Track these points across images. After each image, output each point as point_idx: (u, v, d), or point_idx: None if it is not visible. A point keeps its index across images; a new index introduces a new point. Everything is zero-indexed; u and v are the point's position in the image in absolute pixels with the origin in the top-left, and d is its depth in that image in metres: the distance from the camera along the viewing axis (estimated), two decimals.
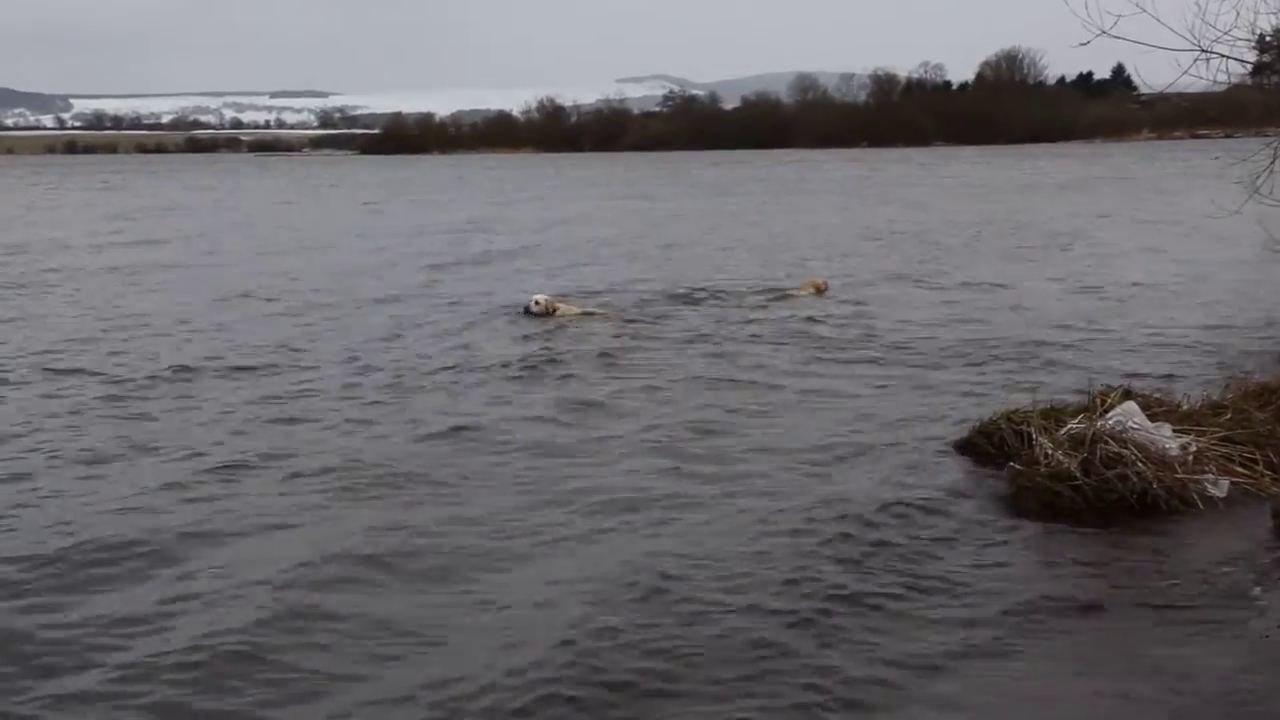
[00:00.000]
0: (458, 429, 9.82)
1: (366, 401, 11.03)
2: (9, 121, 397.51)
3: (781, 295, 17.78)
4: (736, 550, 6.95)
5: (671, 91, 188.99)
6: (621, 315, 16.03)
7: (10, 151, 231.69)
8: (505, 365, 12.58)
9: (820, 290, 17.83)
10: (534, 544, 7.12)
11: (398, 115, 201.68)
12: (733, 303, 17.23)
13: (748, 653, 5.64)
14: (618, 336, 14.48)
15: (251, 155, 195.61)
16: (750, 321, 15.55)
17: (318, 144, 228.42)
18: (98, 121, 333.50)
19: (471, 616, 6.10)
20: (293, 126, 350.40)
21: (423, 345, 14.02)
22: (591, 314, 16.03)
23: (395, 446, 9.35)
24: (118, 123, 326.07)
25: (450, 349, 13.73)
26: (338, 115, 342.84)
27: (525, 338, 14.44)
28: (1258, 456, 8.10)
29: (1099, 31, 9.81)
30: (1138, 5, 9.58)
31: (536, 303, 15.77)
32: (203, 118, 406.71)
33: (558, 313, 15.70)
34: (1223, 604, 6.20)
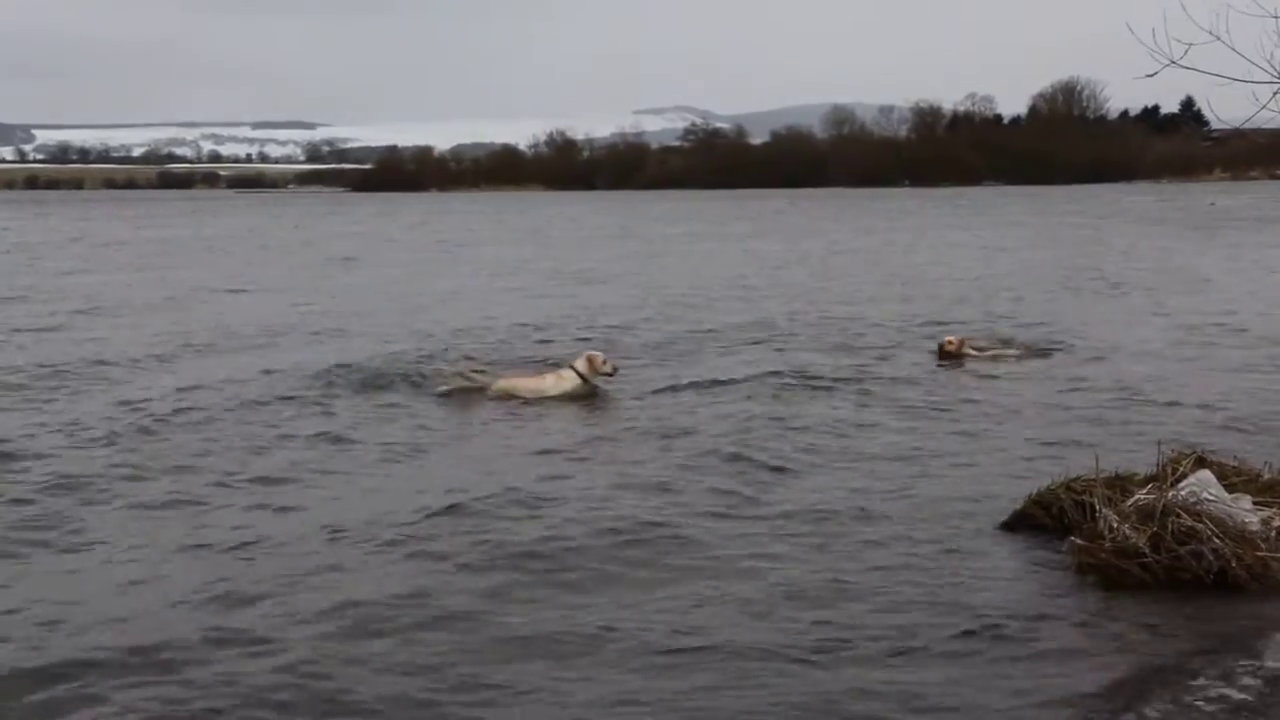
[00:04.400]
0: None
1: None
2: None
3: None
4: (756, 624, 7.03)
5: (693, 124, 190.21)
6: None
7: None
8: None
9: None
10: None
11: (392, 149, 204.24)
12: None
13: None
14: None
15: (231, 192, 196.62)
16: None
17: (304, 180, 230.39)
18: (63, 154, 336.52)
19: None
20: (277, 160, 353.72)
21: None
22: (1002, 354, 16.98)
23: None
24: (84, 155, 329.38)
25: None
26: (326, 148, 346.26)
27: None
28: None
29: (1167, 62, 9.77)
30: (1212, 34, 9.55)
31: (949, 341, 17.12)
32: (177, 150, 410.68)
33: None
34: None
